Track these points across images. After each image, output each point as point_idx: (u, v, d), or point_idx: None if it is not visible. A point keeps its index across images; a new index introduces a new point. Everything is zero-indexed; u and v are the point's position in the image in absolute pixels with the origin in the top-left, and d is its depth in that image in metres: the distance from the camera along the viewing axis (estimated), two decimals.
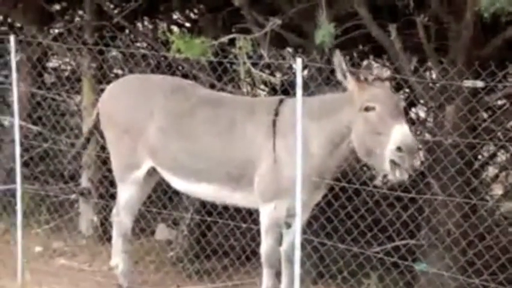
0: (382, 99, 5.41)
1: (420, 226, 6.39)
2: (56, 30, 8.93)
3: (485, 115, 7.14)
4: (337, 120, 5.60)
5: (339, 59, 5.50)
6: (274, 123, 5.79)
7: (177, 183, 6.21)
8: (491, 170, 8.57)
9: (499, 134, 7.16)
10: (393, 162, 5.24)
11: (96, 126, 6.66)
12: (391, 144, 5.22)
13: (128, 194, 6.39)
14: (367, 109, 5.39)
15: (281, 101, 5.93)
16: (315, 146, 5.65)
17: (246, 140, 5.83)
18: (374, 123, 5.36)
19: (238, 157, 5.82)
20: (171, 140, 6.05)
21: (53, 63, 9.96)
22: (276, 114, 5.82)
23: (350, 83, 5.52)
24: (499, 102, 7.31)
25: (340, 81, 5.64)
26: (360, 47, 8.32)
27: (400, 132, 5.22)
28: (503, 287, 5.75)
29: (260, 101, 6.76)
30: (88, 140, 7.07)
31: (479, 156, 7.53)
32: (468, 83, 5.78)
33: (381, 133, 5.31)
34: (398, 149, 5.19)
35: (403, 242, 6.47)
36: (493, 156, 7.97)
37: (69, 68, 9.43)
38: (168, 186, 6.64)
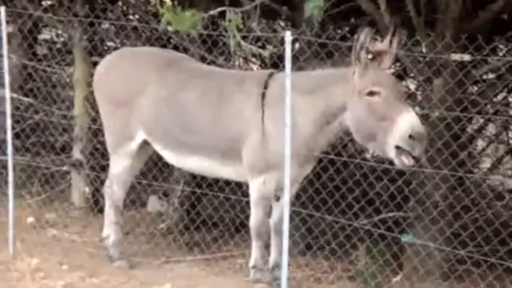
0: (386, 84, 5.37)
1: (407, 198, 6.44)
2: (48, 2, 8.91)
3: (474, 89, 7.19)
4: (330, 98, 5.58)
5: (366, 36, 5.33)
6: (263, 96, 5.80)
7: (169, 156, 6.25)
8: (481, 143, 8.62)
9: (488, 107, 7.24)
10: (398, 148, 5.25)
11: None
12: (400, 131, 5.20)
13: (121, 166, 6.43)
14: (371, 93, 5.35)
15: (271, 75, 5.94)
16: (305, 121, 5.64)
17: (235, 112, 5.85)
18: (378, 109, 5.31)
19: (227, 130, 5.85)
20: (164, 113, 6.09)
21: (44, 35, 9.96)
22: (266, 87, 5.82)
23: (360, 64, 5.41)
24: (489, 76, 7.36)
25: (332, 51, 5.60)
26: (351, 21, 8.33)
27: (410, 120, 5.20)
28: (488, 258, 5.82)
29: (250, 74, 6.77)
30: None
31: (468, 130, 7.57)
32: (455, 57, 5.81)
33: (385, 119, 5.27)
34: (410, 136, 5.18)
35: (391, 214, 6.52)
36: (481, 129, 8.01)
37: (60, 39, 9.42)
38: (159, 158, 6.68)
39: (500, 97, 7.98)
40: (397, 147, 5.25)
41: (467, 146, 7.21)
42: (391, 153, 5.30)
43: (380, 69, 5.51)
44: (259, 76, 6.03)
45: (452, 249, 6.06)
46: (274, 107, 5.69)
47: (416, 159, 5.31)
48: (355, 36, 5.40)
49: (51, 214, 7.81)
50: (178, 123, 6.03)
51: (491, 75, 7.19)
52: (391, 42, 5.43)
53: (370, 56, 5.47)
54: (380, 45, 5.50)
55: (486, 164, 8.64)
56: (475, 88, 7.44)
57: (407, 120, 5.20)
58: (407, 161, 5.27)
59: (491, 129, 8.60)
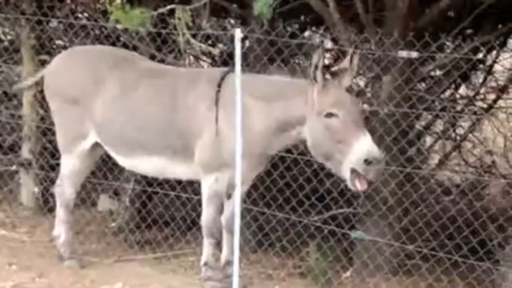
0: (345, 106, 5.36)
1: (357, 195, 6.49)
2: None
3: (421, 85, 7.28)
4: (287, 107, 5.56)
5: (319, 56, 5.36)
6: (217, 95, 5.78)
7: (121, 158, 6.22)
8: (429, 140, 8.73)
9: (435, 104, 7.33)
10: (354, 171, 5.28)
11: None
12: (355, 155, 5.22)
13: (72, 165, 6.38)
14: (329, 115, 5.35)
15: (225, 73, 5.91)
16: (259, 125, 5.63)
17: (189, 111, 5.82)
18: (336, 131, 5.32)
19: (181, 129, 5.83)
20: (116, 112, 6.05)
21: None
22: (220, 85, 5.82)
23: (317, 83, 5.42)
24: (437, 73, 7.46)
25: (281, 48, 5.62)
26: (300, 18, 8.38)
27: (367, 145, 5.23)
28: (436, 252, 5.91)
29: (203, 72, 6.75)
30: None
31: (416, 126, 7.66)
32: (403, 54, 5.88)
33: (342, 142, 5.30)
34: (366, 161, 5.21)
35: (340, 210, 6.59)
36: (429, 126, 8.11)
37: (7, 38, 9.30)
38: (109, 157, 6.64)
39: (447, 93, 8.09)
40: (353, 170, 5.29)
41: (416, 142, 7.31)
42: (346, 175, 5.33)
43: (339, 89, 5.49)
44: (213, 74, 5.99)
45: (401, 245, 6.15)
46: (227, 106, 5.67)
47: (370, 183, 5.35)
48: (311, 56, 5.42)
49: None
50: (131, 122, 6.00)
51: (438, 72, 7.29)
52: (351, 60, 5.46)
53: (328, 76, 5.48)
54: (341, 64, 5.54)
55: (434, 160, 8.76)
56: (423, 85, 7.54)
57: (364, 145, 5.24)
58: (360, 185, 5.32)
59: (438, 125, 8.70)
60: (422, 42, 5.75)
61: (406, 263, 6.40)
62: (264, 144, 5.69)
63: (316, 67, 5.38)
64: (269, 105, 5.62)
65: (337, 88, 5.48)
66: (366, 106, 6.59)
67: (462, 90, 8.73)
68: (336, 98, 5.40)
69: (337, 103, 5.37)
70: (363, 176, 5.27)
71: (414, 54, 5.81)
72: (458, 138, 8.68)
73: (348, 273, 6.49)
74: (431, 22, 6.37)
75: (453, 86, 8.06)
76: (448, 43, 7.79)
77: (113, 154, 6.26)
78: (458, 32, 6.97)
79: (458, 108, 8.37)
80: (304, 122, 5.51)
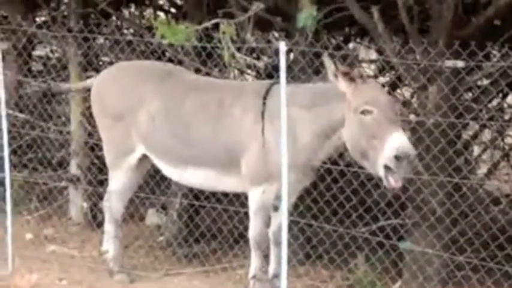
0: (380, 103, 5.40)
1: (405, 205, 6.45)
2: (42, 18, 8.94)
3: (468, 95, 7.21)
4: (329, 113, 5.61)
5: (328, 62, 5.48)
6: (263, 107, 5.81)
7: (168, 170, 6.26)
8: (476, 149, 8.65)
9: (482, 113, 7.26)
10: (387, 168, 5.27)
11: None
12: (387, 150, 5.23)
13: (120, 180, 6.44)
14: (363, 112, 5.39)
15: (270, 86, 5.95)
16: (305, 134, 5.67)
17: (235, 124, 5.86)
18: (370, 128, 5.36)
19: (227, 141, 5.86)
20: (162, 126, 6.10)
21: (39, 51, 9.98)
22: (265, 98, 5.85)
23: (342, 84, 5.50)
24: (483, 82, 7.39)
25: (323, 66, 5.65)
26: (345, 30, 8.37)
27: (398, 141, 5.23)
28: (486, 263, 5.84)
29: (249, 85, 6.80)
30: None
31: (464, 136, 7.60)
32: (449, 63, 5.84)
33: (376, 138, 5.32)
34: (396, 157, 5.21)
35: (388, 221, 6.54)
36: (476, 135, 8.03)
37: (55, 55, 9.44)
38: (156, 171, 6.69)
39: (494, 103, 8.00)
40: (386, 167, 5.28)
41: (463, 152, 7.23)
42: (381, 172, 5.34)
43: (375, 88, 5.58)
44: (258, 87, 6.04)
45: (450, 255, 6.09)
46: (273, 118, 5.70)
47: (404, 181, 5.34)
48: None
49: (49, 230, 7.81)
50: (178, 136, 6.04)
51: (485, 81, 7.22)
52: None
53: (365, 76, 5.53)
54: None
55: (482, 169, 8.67)
56: (470, 94, 7.47)
57: (395, 140, 5.24)
58: (394, 182, 5.30)
59: (486, 135, 8.61)
60: (468, 51, 5.70)
61: (455, 274, 6.32)
62: (309, 154, 5.71)
63: (331, 70, 5.47)
64: (312, 112, 5.66)
65: (372, 87, 5.56)
66: (412, 116, 6.55)
67: (510, 99, 8.63)
68: (371, 95, 5.44)
69: (372, 100, 5.41)
70: (395, 172, 5.24)
71: (460, 64, 5.77)
72: (506, 147, 8.58)
73: (397, 285, 6.44)
74: (477, 31, 6.31)
75: (500, 95, 7.97)
76: (494, 52, 7.71)
77: (160, 165, 6.29)
78: (504, 40, 6.88)
79: (506, 117, 8.28)
80: (344, 124, 5.54)
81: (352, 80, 5.48)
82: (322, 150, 5.72)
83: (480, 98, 6.69)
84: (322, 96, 5.71)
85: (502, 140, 8.63)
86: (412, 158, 5.28)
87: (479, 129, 7.96)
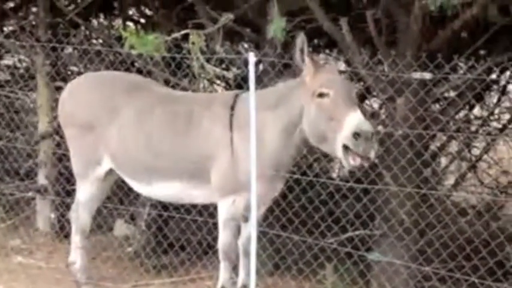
0: (336, 85, 5.43)
1: (373, 216, 6.49)
2: (10, 27, 8.89)
3: (436, 106, 7.28)
4: (290, 107, 5.62)
5: (302, 41, 5.50)
6: (230, 117, 5.81)
7: (137, 185, 6.24)
8: (444, 161, 8.72)
9: (450, 125, 7.33)
10: (346, 148, 5.27)
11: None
12: (345, 130, 5.23)
13: (88, 191, 6.39)
14: (320, 95, 5.41)
15: (237, 95, 5.96)
16: (270, 137, 5.67)
17: (204, 135, 5.84)
18: (327, 110, 5.37)
19: (196, 153, 5.84)
20: (131, 138, 6.06)
21: (6, 60, 9.91)
22: (232, 108, 5.85)
23: (307, 66, 5.53)
24: (450, 94, 7.45)
25: (295, 69, 5.67)
26: (314, 41, 8.41)
27: (355, 119, 5.24)
28: (453, 274, 5.89)
29: (216, 96, 6.78)
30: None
31: (431, 147, 7.66)
32: (417, 75, 5.89)
33: (334, 119, 5.32)
34: (355, 135, 5.20)
35: (357, 232, 6.57)
36: (444, 146, 8.10)
37: (23, 65, 9.38)
38: (124, 181, 6.66)
39: (461, 114, 8.08)
40: (345, 147, 5.28)
41: (431, 163, 7.30)
42: (340, 153, 5.32)
43: (331, 71, 5.64)
44: (225, 98, 6.04)
45: (418, 266, 6.12)
46: (242, 127, 5.70)
47: (366, 159, 5.30)
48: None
49: (16, 241, 7.73)
50: (146, 148, 6.01)
51: (452, 93, 7.29)
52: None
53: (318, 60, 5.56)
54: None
55: (449, 180, 8.74)
56: (437, 106, 7.54)
57: (352, 119, 5.24)
58: (353, 161, 5.28)
59: (453, 146, 8.68)
60: (435, 63, 5.75)
61: (423, 285, 6.37)
62: (276, 159, 5.68)
63: (301, 51, 5.48)
64: (276, 112, 5.67)
65: (328, 70, 5.62)
66: (380, 128, 6.59)
67: (476, 110, 8.73)
68: (326, 78, 5.48)
69: (328, 83, 5.44)
70: (355, 151, 5.25)
71: (428, 76, 5.82)
72: (473, 158, 8.65)
73: None
74: (444, 43, 6.38)
75: (467, 106, 8.05)
76: (461, 64, 7.79)
77: (128, 180, 6.27)
78: (471, 53, 6.96)
79: (473, 128, 8.36)
80: (303, 114, 5.56)
81: (316, 64, 5.53)
82: (287, 151, 5.69)
83: (447, 110, 6.76)
84: (281, 93, 5.73)
85: (469, 151, 8.70)
86: (370, 136, 5.24)
87: (447, 141, 8.02)
